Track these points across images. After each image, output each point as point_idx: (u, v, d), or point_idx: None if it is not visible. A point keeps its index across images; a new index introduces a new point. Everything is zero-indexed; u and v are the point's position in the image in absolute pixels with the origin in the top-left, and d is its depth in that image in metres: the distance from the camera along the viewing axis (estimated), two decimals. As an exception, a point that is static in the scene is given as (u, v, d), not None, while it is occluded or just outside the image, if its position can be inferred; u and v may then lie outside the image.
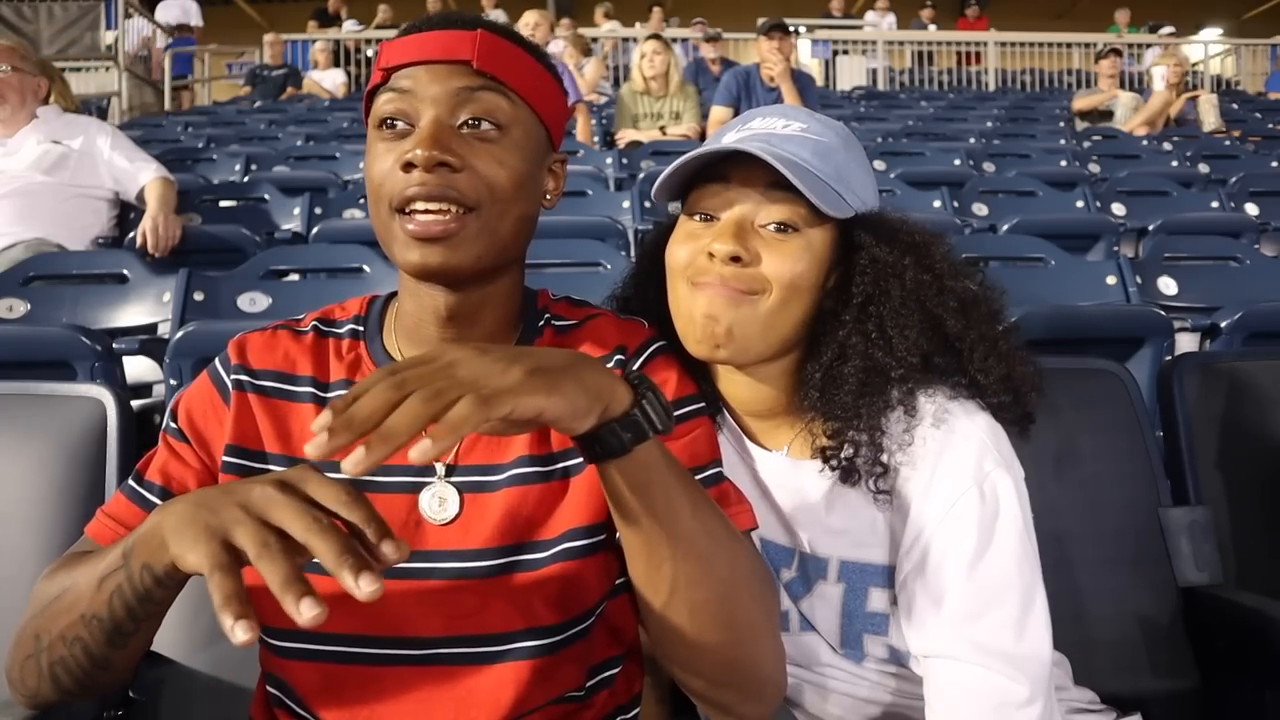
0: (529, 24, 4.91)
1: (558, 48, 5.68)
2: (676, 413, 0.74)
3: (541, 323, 0.81)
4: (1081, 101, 6.13)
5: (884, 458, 0.78)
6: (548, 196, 0.78)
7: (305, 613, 0.47)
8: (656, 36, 4.76)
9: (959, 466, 0.76)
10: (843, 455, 0.79)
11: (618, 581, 0.76)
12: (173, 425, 0.77)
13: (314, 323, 0.81)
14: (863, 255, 0.80)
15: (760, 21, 4.58)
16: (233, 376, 0.77)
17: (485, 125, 0.70)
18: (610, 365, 0.76)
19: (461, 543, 0.71)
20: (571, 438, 0.58)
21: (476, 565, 0.71)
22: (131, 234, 2.58)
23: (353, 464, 0.46)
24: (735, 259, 0.77)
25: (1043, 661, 0.74)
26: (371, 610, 0.68)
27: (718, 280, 0.78)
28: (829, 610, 0.83)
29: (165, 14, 8.38)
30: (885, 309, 0.79)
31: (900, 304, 0.79)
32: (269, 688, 0.74)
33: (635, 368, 0.77)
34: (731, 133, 0.84)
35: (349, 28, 9.66)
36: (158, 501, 0.73)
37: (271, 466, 0.74)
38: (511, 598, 0.70)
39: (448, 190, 0.68)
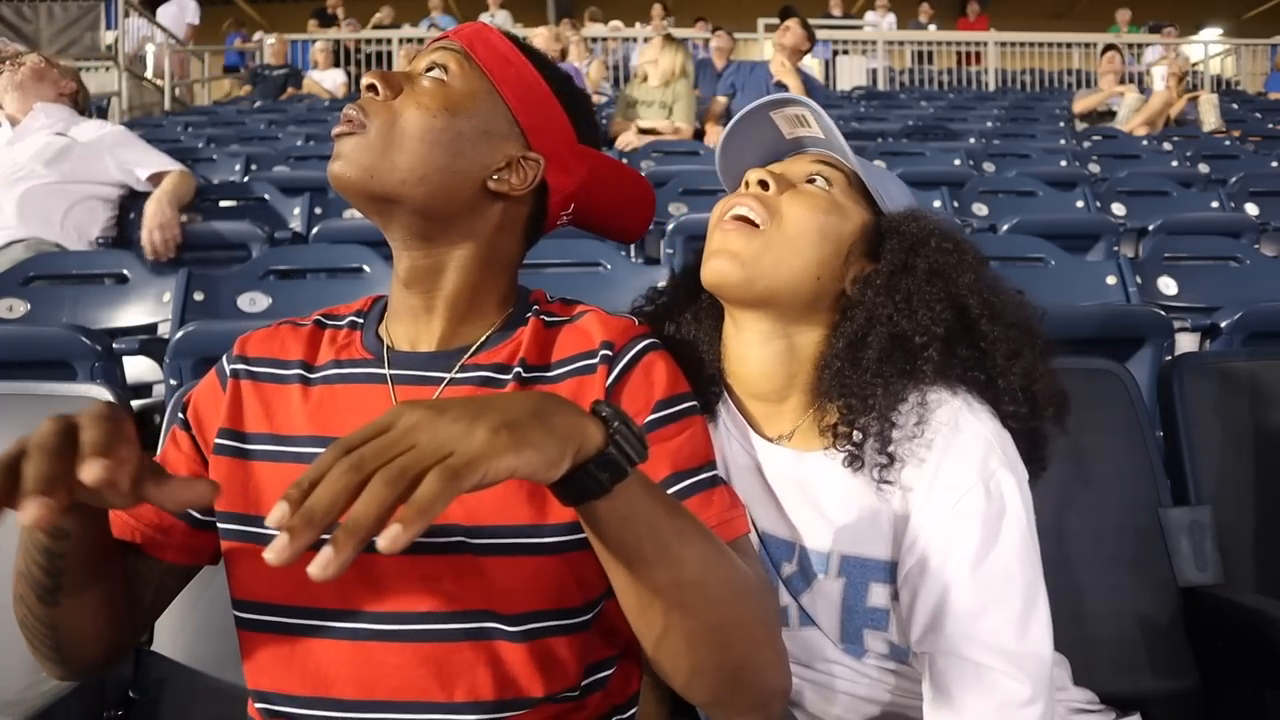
0: (535, 35, 4.95)
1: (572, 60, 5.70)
2: (667, 411, 0.74)
3: (529, 314, 0.81)
4: (1081, 103, 6.11)
5: (891, 448, 0.78)
6: (495, 177, 0.77)
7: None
8: (668, 36, 4.75)
9: (964, 463, 0.76)
10: (852, 438, 0.80)
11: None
12: (180, 416, 0.82)
13: (317, 317, 0.86)
14: (894, 237, 0.83)
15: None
16: (231, 366, 0.81)
17: (435, 71, 0.77)
18: (596, 360, 0.76)
19: None
20: (546, 485, 0.54)
21: (448, 540, 0.71)
22: (138, 234, 2.58)
23: (321, 568, 0.43)
24: (762, 185, 0.84)
25: (1044, 661, 0.74)
26: (330, 583, 0.70)
27: (733, 218, 0.83)
28: (829, 605, 0.83)
29: (163, 14, 8.38)
30: (911, 281, 0.81)
31: (926, 278, 0.81)
32: (256, 704, 0.75)
33: (624, 364, 0.76)
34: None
35: (348, 25, 9.66)
36: None
37: (253, 446, 0.77)
38: (492, 579, 0.70)
39: (359, 108, 0.75)
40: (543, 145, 0.79)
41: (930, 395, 0.79)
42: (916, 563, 0.77)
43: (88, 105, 2.93)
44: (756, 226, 0.83)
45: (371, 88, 0.76)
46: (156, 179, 2.65)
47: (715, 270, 0.83)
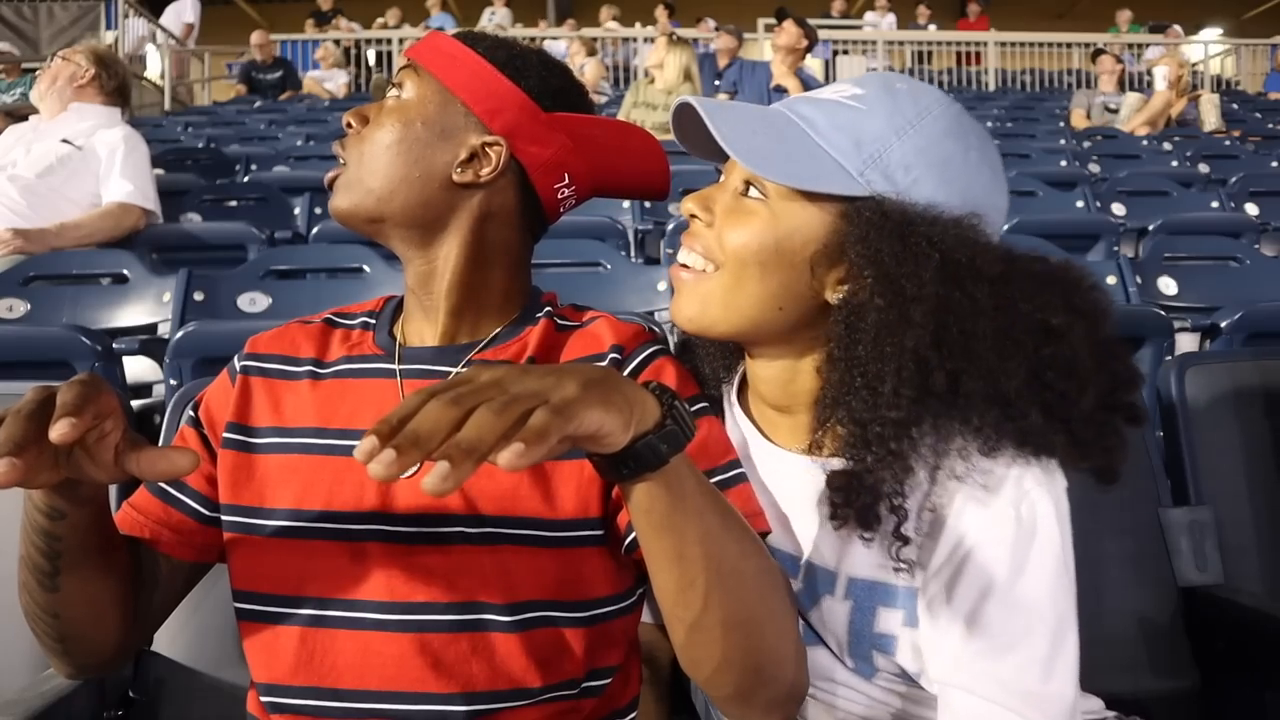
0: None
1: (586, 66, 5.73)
2: None
3: (540, 315, 0.82)
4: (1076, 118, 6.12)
5: (906, 528, 0.69)
6: (458, 170, 0.78)
7: None
8: (668, 36, 4.77)
9: (993, 486, 0.69)
10: (855, 506, 0.70)
11: (627, 599, 0.76)
12: (190, 414, 0.84)
13: (327, 316, 0.87)
14: (854, 248, 0.70)
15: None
16: (241, 364, 0.83)
17: (391, 91, 0.81)
18: (605, 364, 0.76)
19: (433, 506, 0.72)
20: (598, 457, 0.55)
21: (448, 530, 0.72)
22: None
23: (441, 479, 0.43)
24: (696, 218, 0.77)
25: (1068, 703, 0.67)
26: (330, 573, 0.72)
27: (679, 260, 0.79)
28: (836, 626, 0.78)
29: (167, 16, 8.37)
30: (865, 327, 0.69)
31: (880, 329, 0.68)
32: (260, 696, 0.75)
33: (632, 368, 0.77)
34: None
35: (344, 25, 9.66)
36: (166, 488, 0.80)
37: (259, 439, 0.78)
38: (491, 571, 0.71)
39: (341, 147, 0.81)
40: (502, 126, 0.78)
41: (945, 460, 0.69)
42: (938, 592, 0.71)
43: (124, 82, 2.81)
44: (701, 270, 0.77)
45: (349, 125, 0.81)
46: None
47: (675, 319, 0.79)
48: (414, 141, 0.77)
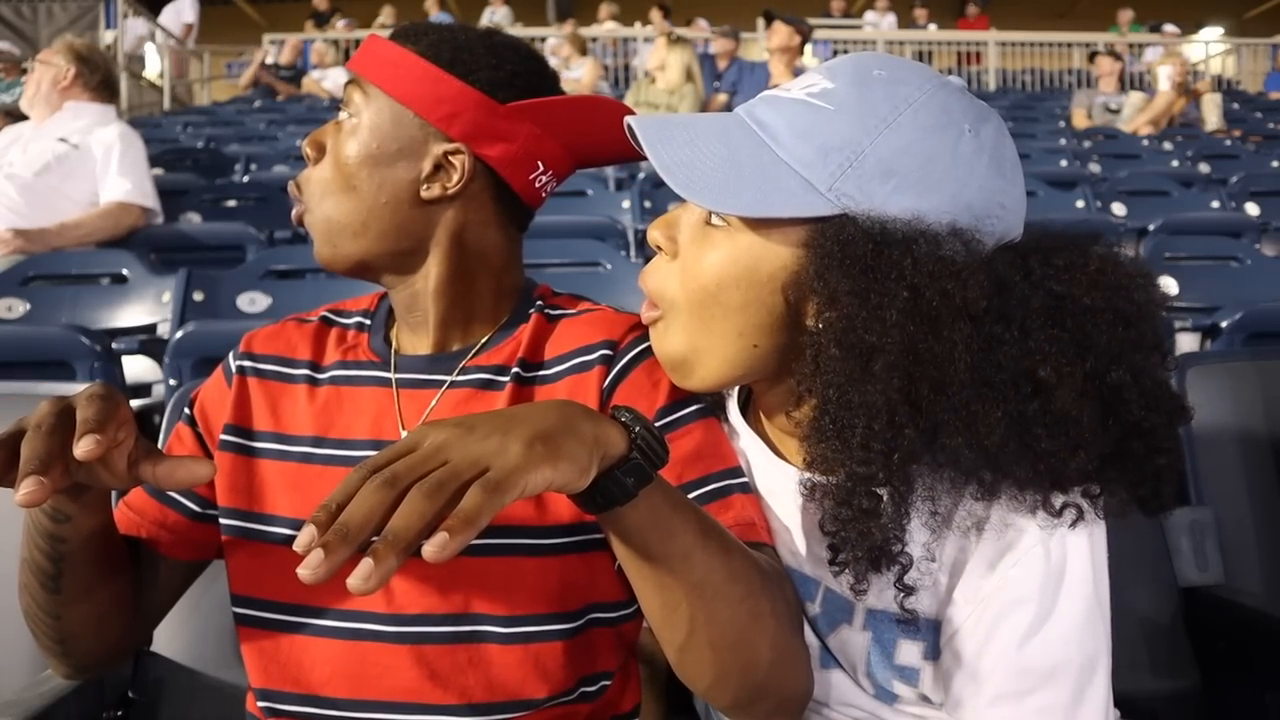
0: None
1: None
2: (673, 416, 0.73)
3: (531, 310, 0.80)
4: (1077, 116, 6.12)
5: (909, 577, 0.64)
6: (425, 187, 0.74)
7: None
8: (667, 35, 4.78)
9: (1019, 522, 0.64)
10: (850, 558, 0.64)
11: (629, 606, 0.75)
12: (185, 412, 0.84)
13: (324, 313, 0.86)
14: (823, 279, 0.61)
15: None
16: (237, 363, 0.82)
17: (342, 116, 0.77)
18: (594, 358, 0.75)
19: None
20: (570, 495, 0.53)
21: None
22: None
23: (363, 580, 0.42)
24: (661, 247, 0.71)
25: None
26: (327, 582, 0.71)
27: (645, 301, 0.72)
28: (854, 655, 0.73)
29: (166, 15, 8.37)
30: (828, 372, 0.61)
31: (842, 379, 0.60)
32: (258, 702, 0.75)
33: (623, 364, 0.75)
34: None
35: (343, 25, 9.66)
36: None
37: (259, 444, 0.77)
38: (488, 581, 0.70)
39: (296, 186, 0.79)
40: (460, 130, 0.74)
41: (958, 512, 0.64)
42: (957, 633, 0.66)
43: (108, 75, 2.79)
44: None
45: (308, 155, 0.78)
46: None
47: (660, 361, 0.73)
48: (375, 166, 0.74)
